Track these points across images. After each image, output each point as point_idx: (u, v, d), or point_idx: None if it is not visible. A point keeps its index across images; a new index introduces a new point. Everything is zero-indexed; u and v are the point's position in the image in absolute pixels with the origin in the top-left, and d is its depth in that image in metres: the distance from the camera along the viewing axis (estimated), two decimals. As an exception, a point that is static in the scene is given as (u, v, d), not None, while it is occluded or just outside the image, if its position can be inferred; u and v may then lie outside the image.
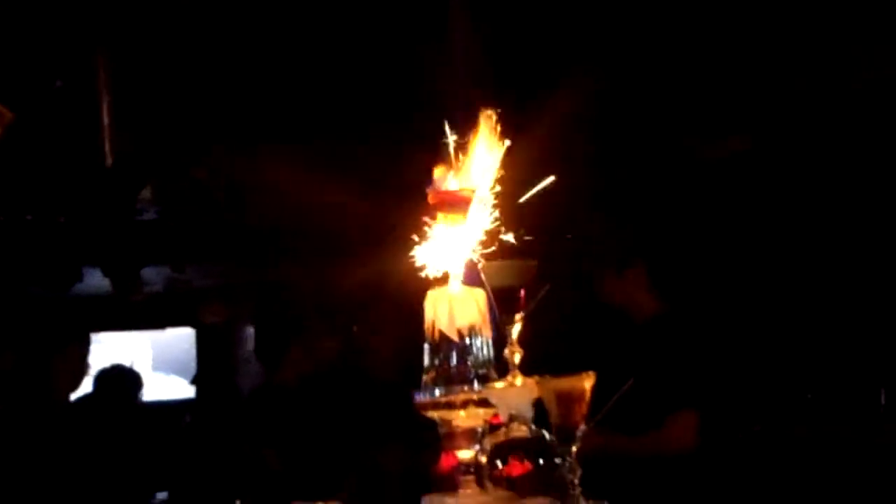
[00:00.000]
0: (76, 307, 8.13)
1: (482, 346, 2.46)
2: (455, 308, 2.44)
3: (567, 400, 2.05)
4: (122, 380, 6.83)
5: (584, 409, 2.07)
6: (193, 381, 9.16)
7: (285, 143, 6.15)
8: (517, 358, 2.29)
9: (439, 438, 2.42)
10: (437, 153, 2.53)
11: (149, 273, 9.04)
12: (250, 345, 8.84)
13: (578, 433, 2.07)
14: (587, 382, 2.07)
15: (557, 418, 2.07)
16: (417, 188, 2.58)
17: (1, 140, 3.49)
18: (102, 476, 4.75)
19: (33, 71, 5.11)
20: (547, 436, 2.20)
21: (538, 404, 2.17)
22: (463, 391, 2.42)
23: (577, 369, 2.10)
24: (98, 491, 4.62)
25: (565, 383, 2.06)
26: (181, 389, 10.08)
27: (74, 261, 8.30)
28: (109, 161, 5.36)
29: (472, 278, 2.47)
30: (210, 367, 10.66)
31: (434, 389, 2.44)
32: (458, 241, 2.47)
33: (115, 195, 7.09)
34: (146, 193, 7.44)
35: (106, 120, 4.92)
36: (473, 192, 2.47)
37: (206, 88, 5.91)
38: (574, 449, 2.07)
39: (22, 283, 7.73)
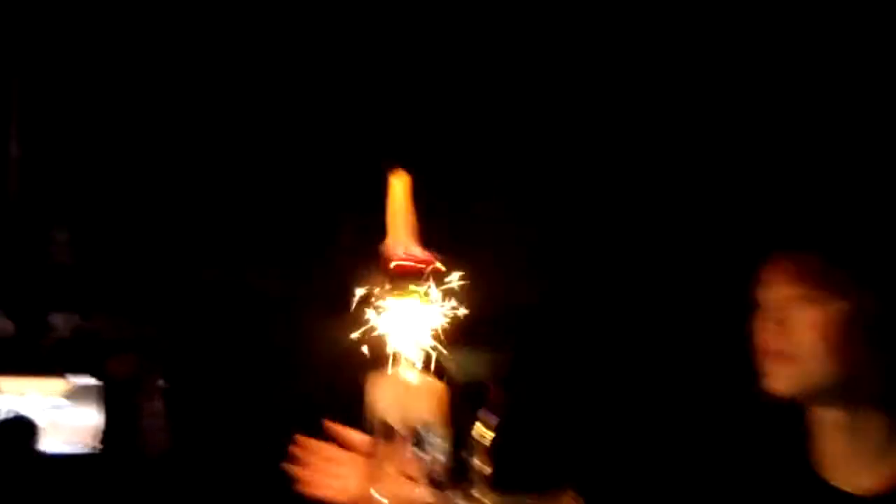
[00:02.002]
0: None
1: (436, 447, 2.04)
2: (409, 399, 2.03)
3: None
4: (17, 429, 6.52)
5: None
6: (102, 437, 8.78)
7: (221, 194, 5.84)
8: (486, 470, 1.88)
9: None
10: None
11: (56, 319, 8.66)
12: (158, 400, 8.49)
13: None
14: (568, 505, 1.68)
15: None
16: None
17: None
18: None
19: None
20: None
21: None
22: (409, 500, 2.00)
23: (557, 486, 1.70)
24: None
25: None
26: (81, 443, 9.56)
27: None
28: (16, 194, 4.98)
29: (429, 366, 2.07)
30: (115, 421, 10.21)
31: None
32: (415, 319, 2.07)
33: (27, 234, 6.75)
34: (62, 236, 7.13)
35: (15, 152, 4.54)
36: (437, 260, 2.07)
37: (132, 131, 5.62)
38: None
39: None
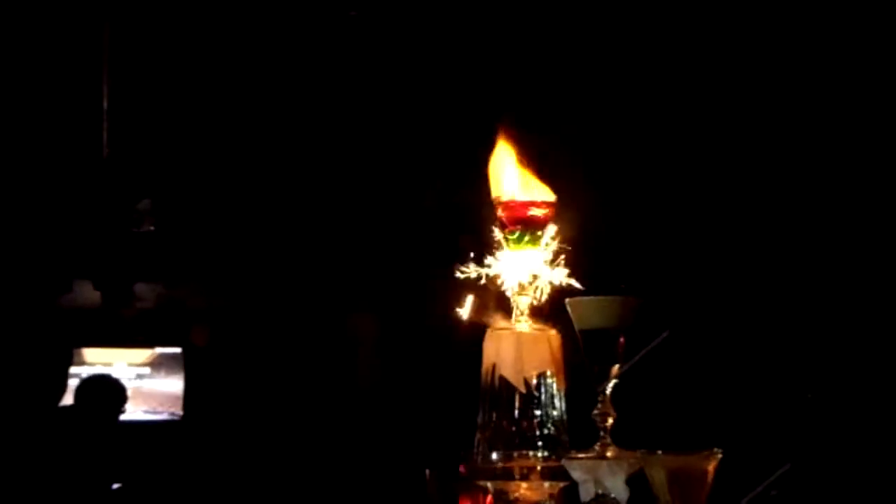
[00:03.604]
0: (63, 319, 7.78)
1: (552, 400, 1.96)
2: (524, 351, 1.94)
3: (684, 483, 1.56)
4: (104, 390, 6.41)
5: (703, 496, 1.57)
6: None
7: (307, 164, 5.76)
8: (609, 422, 1.78)
9: None
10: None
11: (141, 289, 8.67)
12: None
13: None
14: (711, 464, 1.58)
15: (669, 506, 1.58)
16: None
17: None
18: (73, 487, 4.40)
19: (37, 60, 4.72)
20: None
21: (638, 485, 1.68)
22: (524, 456, 1.92)
23: (691, 445, 1.60)
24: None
25: (683, 462, 1.57)
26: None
27: (65, 270, 7.90)
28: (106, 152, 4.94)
29: (545, 315, 1.98)
30: (197, 389, 10.29)
31: (490, 452, 1.94)
32: (530, 266, 1.98)
33: (112, 204, 6.74)
34: (144, 205, 7.11)
35: (105, 105, 4.49)
36: (553, 204, 1.98)
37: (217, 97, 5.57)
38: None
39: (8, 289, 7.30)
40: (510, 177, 2.04)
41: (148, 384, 10.38)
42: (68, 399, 6.22)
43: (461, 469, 1.99)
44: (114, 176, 6.08)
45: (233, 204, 6.76)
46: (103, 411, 6.19)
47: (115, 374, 8.02)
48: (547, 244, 1.97)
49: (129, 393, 7.09)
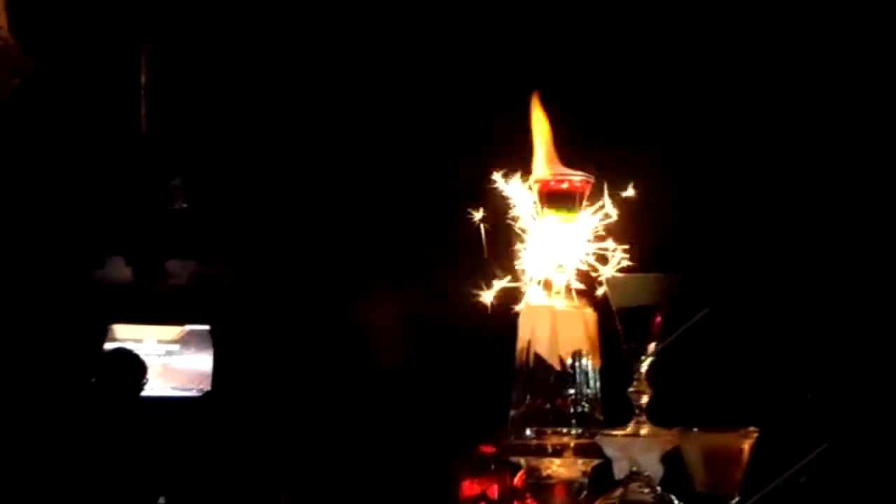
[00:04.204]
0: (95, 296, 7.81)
1: (587, 378, 1.96)
2: (559, 328, 1.94)
3: (719, 462, 1.55)
4: (123, 365, 6.40)
5: (739, 475, 1.57)
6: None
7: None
8: (645, 400, 1.77)
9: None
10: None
11: (173, 266, 8.71)
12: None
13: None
14: (747, 443, 1.57)
15: (704, 485, 1.57)
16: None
17: (19, 90, 3.04)
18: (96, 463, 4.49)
19: (74, 32, 4.74)
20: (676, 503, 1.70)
21: (672, 462, 1.68)
22: (558, 433, 1.92)
23: (729, 423, 1.60)
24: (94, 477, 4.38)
25: (719, 440, 1.56)
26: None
27: (98, 246, 7.94)
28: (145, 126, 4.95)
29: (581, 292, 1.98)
30: (226, 367, 10.34)
31: (523, 429, 1.94)
32: (566, 243, 1.98)
33: (146, 180, 6.76)
34: (177, 182, 7.14)
35: (143, 79, 4.51)
36: (590, 180, 1.98)
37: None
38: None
39: (41, 267, 7.35)
40: (542, 154, 2.03)
41: (177, 361, 10.40)
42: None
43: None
44: (150, 152, 6.11)
45: (266, 182, 6.78)
46: (124, 386, 6.21)
47: (143, 351, 8.08)
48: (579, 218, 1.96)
49: (158, 370, 7.11)
